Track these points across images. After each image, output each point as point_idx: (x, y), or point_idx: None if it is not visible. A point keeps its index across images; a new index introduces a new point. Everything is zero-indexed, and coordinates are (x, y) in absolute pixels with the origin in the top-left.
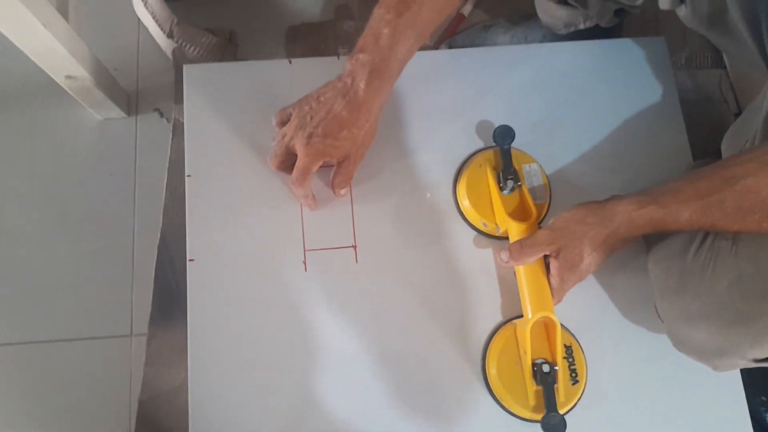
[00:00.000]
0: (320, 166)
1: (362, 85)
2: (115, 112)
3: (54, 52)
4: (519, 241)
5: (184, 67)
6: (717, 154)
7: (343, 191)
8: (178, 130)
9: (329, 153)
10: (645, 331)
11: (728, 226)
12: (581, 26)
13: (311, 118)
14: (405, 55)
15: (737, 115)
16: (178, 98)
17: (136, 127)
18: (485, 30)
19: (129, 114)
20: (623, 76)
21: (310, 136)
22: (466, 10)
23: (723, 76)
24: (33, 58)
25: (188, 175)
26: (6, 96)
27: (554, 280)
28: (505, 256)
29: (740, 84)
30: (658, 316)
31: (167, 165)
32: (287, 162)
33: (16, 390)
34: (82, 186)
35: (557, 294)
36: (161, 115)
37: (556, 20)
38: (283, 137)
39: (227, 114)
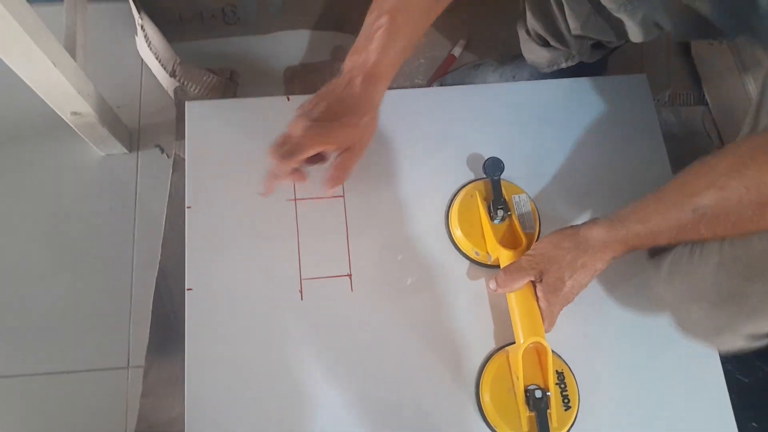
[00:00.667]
0: (316, 161)
1: (358, 82)
2: (118, 148)
3: (62, 89)
4: (504, 268)
5: (186, 103)
6: None
7: (335, 187)
8: (178, 165)
9: (328, 139)
10: (636, 357)
11: (706, 238)
12: (563, 65)
13: (313, 107)
14: (397, 56)
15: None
16: (179, 134)
17: (137, 162)
18: (475, 69)
19: (131, 150)
20: (608, 111)
21: (311, 121)
22: (457, 51)
23: (705, 112)
24: (41, 95)
25: (188, 207)
26: (9, 131)
27: (542, 303)
28: (493, 284)
29: (722, 119)
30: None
31: (167, 199)
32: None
33: (14, 422)
34: (82, 220)
35: (547, 318)
36: (162, 151)
37: (540, 60)
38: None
39: (227, 149)
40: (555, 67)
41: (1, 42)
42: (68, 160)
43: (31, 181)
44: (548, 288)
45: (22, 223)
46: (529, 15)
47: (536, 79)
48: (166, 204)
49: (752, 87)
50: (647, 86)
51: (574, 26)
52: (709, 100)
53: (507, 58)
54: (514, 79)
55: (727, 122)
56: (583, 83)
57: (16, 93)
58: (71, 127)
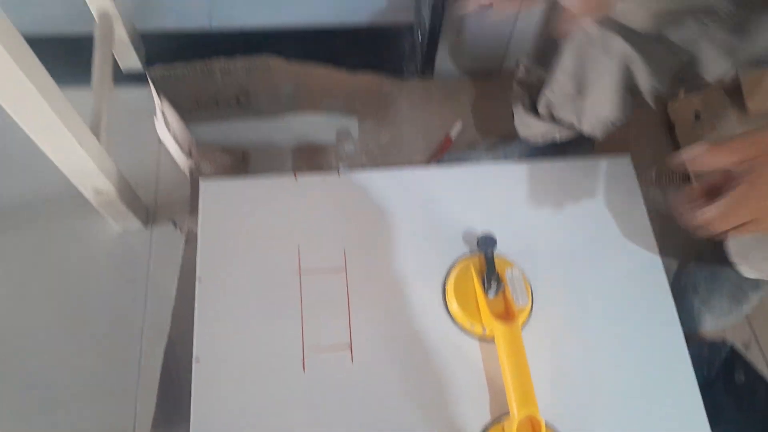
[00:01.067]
0: None
1: None
2: (134, 223)
3: (85, 167)
4: (713, 146)
5: (200, 180)
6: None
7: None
8: (190, 240)
9: None
10: (633, 429)
11: None
12: (557, 138)
13: None
14: None
15: None
16: (193, 210)
17: (151, 237)
18: (470, 150)
19: (146, 224)
20: (594, 190)
21: None
22: (453, 134)
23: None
24: (65, 172)
25: (199, 278)
26: (28, 206)
27: (721, 208)
28: (689, 153)
29: None
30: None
31: (178, 273)
32: None
33: None
34: (95, 293)
35: (722, 220)
36: (175, 226)
37: (535, 132)
38: None
39: (237, 224)
40: (548, 140)
41: (32, 122)
42: (85, 234)
43: (48, 255)
44: (754, 190)
45: (35, 295)
46: (519, 90)
47: (528, 156)
48: (177, 278)
49: None
50: (631, 167)
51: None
52: (693, 180)
53: (499, 141)
54: (505, 157)
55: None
56: (569, 164)
57: (35, 170)
58: (89, 204)
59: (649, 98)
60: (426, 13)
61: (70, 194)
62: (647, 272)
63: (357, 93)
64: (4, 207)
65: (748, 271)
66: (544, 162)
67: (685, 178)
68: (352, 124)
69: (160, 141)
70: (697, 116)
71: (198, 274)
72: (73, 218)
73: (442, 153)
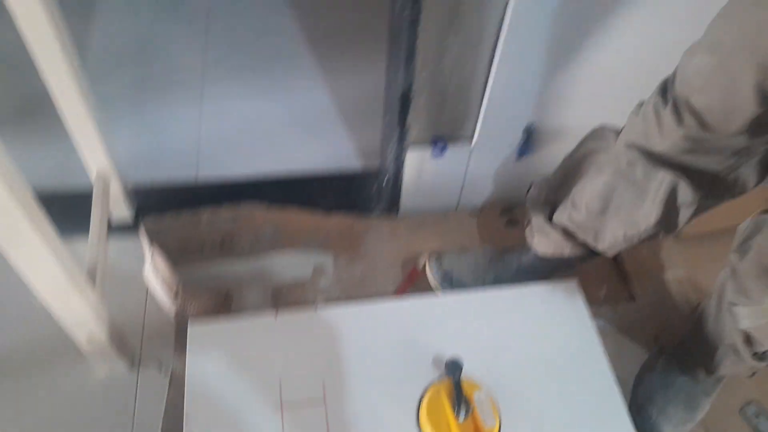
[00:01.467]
0: None
1: None
2: (120, 367)
3: (82, 316)
4: None
5: (189, 323)
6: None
7: None
8: (174, 381)
9: None
10: None
11: None
12: (565, 253)
13: None
14: None
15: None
16: (178, 351)
17: (137, 381)
18: (462, 253)
19: (132, 368)
20: (547, 312)
21: None
22: (420, 264)
23: (635, 308)
24: (61, 320)
25: (187, 414)
26: (11, 355)
27: None
28: None
29: (650, 313)
30: None
31: (163, 414)
32: None
33: None
34: None
35: None
36: (160, 369)
37: (552, 239)
38: None
39: (223, 362)
40: (557, 254)
41: (35, 272)
42: (70, 379)
43: (35, 400)
44: None
45: None
46: (537, 202)
47: (527, 267)
48: (162, 419)
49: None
50: (579, 290)
51: None
52: (636, 296)
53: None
54: (503, 268)
55: (654, 317)
56: (525, 289)
57: (15, 319)
58: (73, 349)
59: (687, 212)
60: (390, 160)
61: (54, 340)
62: (601, 388)
63: (331, 232)
64: None
65: (746, 315)
66: (495, 291)
67: (631, 296)
68: (327, 261)
69: (146, 286)
70: None
71: (186, 410)
72: (56, 364)
73: (412, 283)
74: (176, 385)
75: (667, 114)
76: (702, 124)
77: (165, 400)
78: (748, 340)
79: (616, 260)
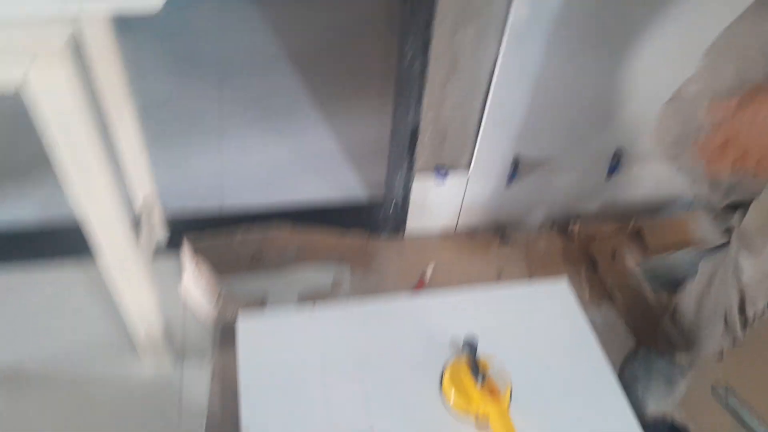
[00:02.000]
0: None
1: None
2: (166, 363)
3: (146, 309)
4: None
5: (239, 316)
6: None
7: None
8: (217, 373)
9: None
10: None
11: None
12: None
13: None
14: None
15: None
16: (218, 346)
17: (182, 375)
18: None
19: (176, 363)
20: (544, 306)
21: None
22: (428, 275)
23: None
24: (132, 314)
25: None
26: (64, 358)
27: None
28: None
29: (628, 313)
30: None
31: (206, 405)
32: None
33: None
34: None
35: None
36: (201, 366)
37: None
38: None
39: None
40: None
41: (123, 273)
42: (120, 378)
43: (87, 403)
44: None
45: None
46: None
47: None
48: (207, 409)
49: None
50: (569, 288)
51: None
52: (615, 298)
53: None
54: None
55: (632, 314)
56: (514, 290)
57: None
58: (121, 351)
59: None
60: (399, 187)
61: (101, 344)
62: (595, 367)
63: (347, 250)
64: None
65: (749, 264)
66: (495, 292)
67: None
68: (344, 274)
69: (182, 298)
70: (613, 255)
71: (241, 394)
72: (105, 364)
73: (420, 289)
74: (218, 378)
75: None
76: None
77: (208, 394)
78: (743, 302)
79: (596, 272)
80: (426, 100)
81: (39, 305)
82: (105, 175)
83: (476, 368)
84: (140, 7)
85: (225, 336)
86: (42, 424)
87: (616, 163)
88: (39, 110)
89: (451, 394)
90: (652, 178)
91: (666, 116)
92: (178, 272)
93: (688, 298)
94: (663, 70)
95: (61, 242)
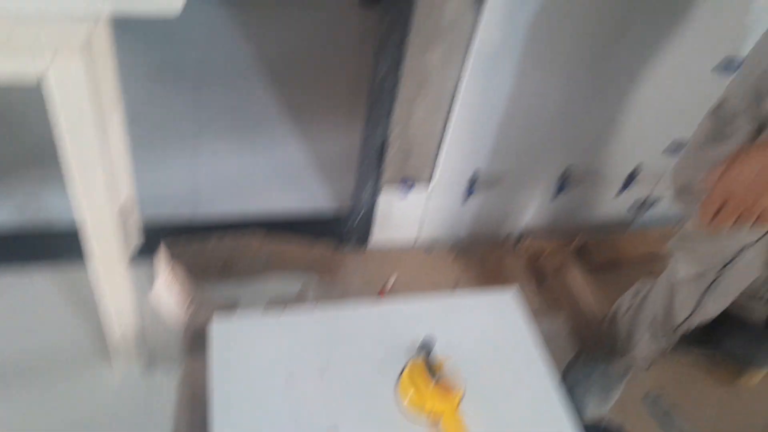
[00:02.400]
0: None
1: None
2: (135, 369)
3: (125, 309)
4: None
5: (213, 319)
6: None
7: None
8: (185, 378)
9: None
10: None
11: None
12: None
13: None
14: None
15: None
16: (186, 352)
17: (150, 382)
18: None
19: (144, 369)
20: (492, 315)
21: None
22: (388, 287)
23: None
24: (112, 315)
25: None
26: (32, 362)
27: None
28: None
29: (576, 324)
30: None
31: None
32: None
33: None
34: None
35: None
36: (168, 372)
37: None
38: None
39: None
40: None
41: (109, 277)
42: (86, 384)
43: (55, 406)
44: None
45: None
46: None
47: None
48: (174, 414)
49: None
50: (518, 297)
51: None
52: (559, 311)
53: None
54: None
55: (574, 325)
56: (471, 298)
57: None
58: (88, 357)
59: None
60: (365, 199)
61: (69, 348)
62: (537, 372)
63: (314, 260)
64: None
65: (684, 263)
66: (449, 301)
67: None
68: (311, 282)
69: (150, 304)
70: (560, 269)
71: (212, 396)
72: (73, 369)
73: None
74: (187, 384)
75: None
76: None
77: (176, 399)
78: (670, 307)
79: (544, 282)
80: (395, 115)
81: (10, 309)
82: (104, 173)
83: (431, 368)
84: (162, 9)
85: (195, 342)
86: (7, 428)
87: (563, 182)
88: (54, 102)
89: (407, 393)
90: (596, 197)
91: (680, 161)
92: (149, 279)
93: (623, 304)
94: (612, 93)
95: (36, 246)
